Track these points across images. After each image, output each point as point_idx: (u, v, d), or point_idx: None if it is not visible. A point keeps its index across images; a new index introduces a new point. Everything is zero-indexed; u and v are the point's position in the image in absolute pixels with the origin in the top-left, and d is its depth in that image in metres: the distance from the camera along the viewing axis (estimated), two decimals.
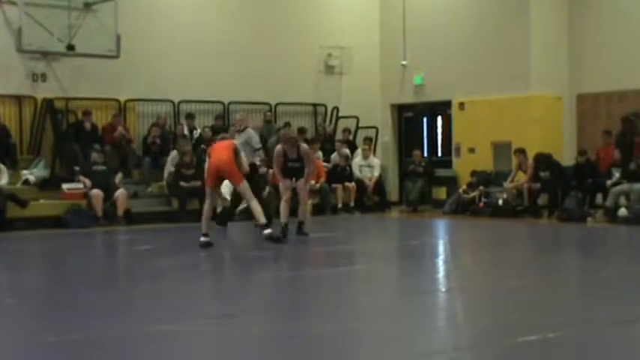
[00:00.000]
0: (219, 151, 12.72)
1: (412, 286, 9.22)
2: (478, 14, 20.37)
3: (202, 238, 12.42)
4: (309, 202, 16.96)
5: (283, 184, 13.49)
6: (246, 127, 15.38)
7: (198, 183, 17.50)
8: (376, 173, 20.40)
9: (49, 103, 17.75)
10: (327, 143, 20.53)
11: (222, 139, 13.52)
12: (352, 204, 19.52)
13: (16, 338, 6.59)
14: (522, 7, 19.44)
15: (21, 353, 6.09)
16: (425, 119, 22.54)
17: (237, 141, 14.86)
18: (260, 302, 8.34)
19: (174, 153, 18.07)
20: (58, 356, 6.00)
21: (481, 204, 18.47)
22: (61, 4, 17.41)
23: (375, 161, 20.67)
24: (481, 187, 18.78)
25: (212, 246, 12.35)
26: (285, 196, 13.40)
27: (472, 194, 18.77)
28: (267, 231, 12.41)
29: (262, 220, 12.44)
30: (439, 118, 22.19)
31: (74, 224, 16.12)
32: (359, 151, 20.79)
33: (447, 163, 21.30)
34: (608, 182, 16.66)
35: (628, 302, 7.81)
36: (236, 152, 12.74)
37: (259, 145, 15.47)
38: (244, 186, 12.59)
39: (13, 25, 17.31)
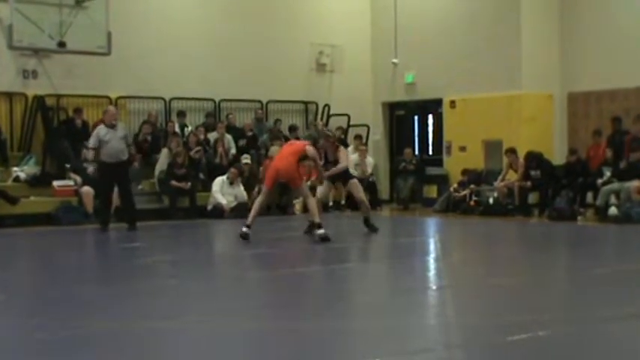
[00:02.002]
0: (285, 156, 12.81)
1: (403, 284, 9.22)
2: (469, 12, 20.40)
3: (243, 229, 12.57)
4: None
5: (326, 185, 13.83)
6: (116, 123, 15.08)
7: (189, 184, 17.54)
8: (369, 170, 20.40)
9: (39, 100, 17.74)
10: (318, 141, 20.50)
11: (296, 138, 13.69)
12: (343, 202, 19.51)
13: (5, 335, 6.57)
14: (513, 5, 19.47)
15: (10, 350, 6.07)
16: (416, 117, 22.58)
17: (119, 135, 14.79)
18: (252, 300, 8.33)
19: (165, 151, 18.08)
20: (47, 353, 5.99)
21: (472, 202, 18.49)
22: (51, 1, 17.40)
23: (370, 160, 20.63)
24: (472, 186, 18.81)
25: (249, 239, 12.49)
26: (319, 195, 13.74)
27: (463, 193, 18.79)
28: (321, 231, 12.47)
29: (317, 219, 12.56)
30: (430, 117, 22.22)
31: (65, 221, 16.10)
32: (350, 148, 20.77)
33: (438, 162, 21.32)
34: (599, 181, 16.70)
35: (618, 300, 7.82)
36: (305, 156, 12.89)
37: (130, 141, 15.52)
38: (303, 187, 12.93)
39: (4, 21, 17.27)
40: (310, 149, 12.98)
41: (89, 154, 15.37)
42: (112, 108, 15.96)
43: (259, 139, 20.03)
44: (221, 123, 19.65)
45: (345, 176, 13.97)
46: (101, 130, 14.82)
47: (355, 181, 14.09)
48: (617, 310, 7.28)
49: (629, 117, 17.78)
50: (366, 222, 13.85)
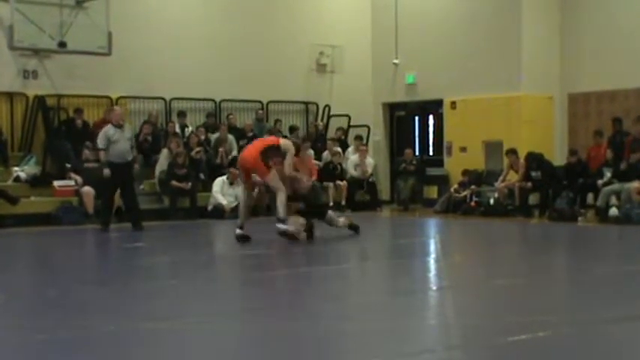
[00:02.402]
0: (249, 148, 12.78)
1: (403, 285, 9.22)
2: (470, 13, 20.40)
3: (238, 231, 12.48)
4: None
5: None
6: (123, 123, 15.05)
7: (190, 184, 17.53)
8: (370, 170, 20.37)
9: (40, 100, 17.74)
10: (318, 142, 20.53)
11: (270, 133, 13.50)
12: (343, 202, 19.50)
13: (5, 336, 6.57)
14: (514, 6, 19.47)
15: (10, 350, 6.06)
16: (416, 118, 22.58)
17: (126, 135, 14.67)
18: (251, 301, 8.32)
19: (165, 151, 18.08)
20: (47, 354, 5.98)
21: (472, 203, 18.49)
22: (52, 1, 17.43)
23: (370, 161, 20.63)
24: (472, 187, 18.81)
25: (249, 240, 12.45)
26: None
27: (463, 193, 18.79)
28: (283, 226, 12.34)
29: (282, 214, 12.36)
30: (431, 117, 22.22)
31: (65, 221, 16.10)
32: (351, 149, 20.78)
33: (438, 162, 21.32)
34: (599, 182, 16.70)
35: (618, 301, 7.82)
36: (269, 150, 12.40)
37: (132, 142, 15.44)
38: (271, 178, 12.34)
39: (5, 22, 17.29)
40: (285, 141, 12.79)
41: (101, 155, 14.96)
42: (118, 108, 15.96)
43: None
44: (223, 125, 19.65)
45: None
46: (109, 130, 14.73)
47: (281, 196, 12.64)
48: (618, 311, 7.28)
49: (629, 118, 17.80)
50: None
